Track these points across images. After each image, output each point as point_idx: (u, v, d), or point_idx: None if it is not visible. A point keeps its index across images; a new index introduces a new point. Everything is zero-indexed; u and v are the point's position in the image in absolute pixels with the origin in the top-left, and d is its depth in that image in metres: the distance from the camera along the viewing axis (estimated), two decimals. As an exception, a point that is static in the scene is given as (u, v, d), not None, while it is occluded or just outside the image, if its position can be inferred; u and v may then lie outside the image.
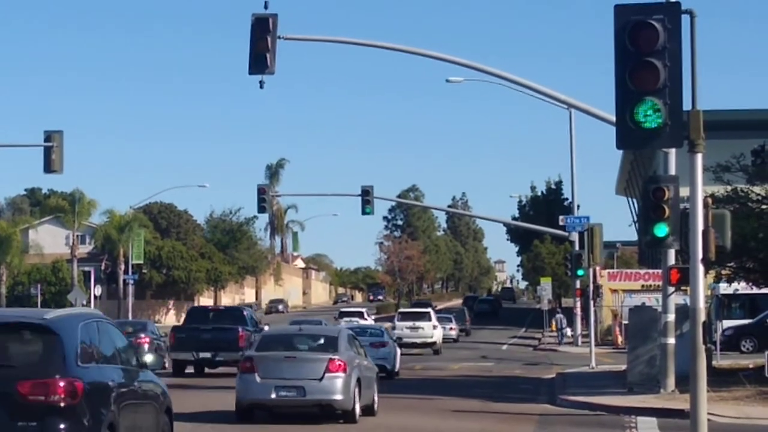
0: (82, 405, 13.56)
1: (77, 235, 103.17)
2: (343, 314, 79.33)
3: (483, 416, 27.06)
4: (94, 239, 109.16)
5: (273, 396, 23.84)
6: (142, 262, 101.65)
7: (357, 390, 24.43)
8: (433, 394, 33.13)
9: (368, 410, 25.78)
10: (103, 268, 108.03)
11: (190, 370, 42.08)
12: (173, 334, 42.75)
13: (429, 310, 68.41)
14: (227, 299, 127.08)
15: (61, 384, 13.37)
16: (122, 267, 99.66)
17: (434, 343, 61.58)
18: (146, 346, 46.17)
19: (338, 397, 23.85)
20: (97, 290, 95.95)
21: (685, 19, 18.00)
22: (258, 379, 23.98)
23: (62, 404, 13.36)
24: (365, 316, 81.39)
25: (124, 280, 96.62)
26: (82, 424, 13.56)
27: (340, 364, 23.99)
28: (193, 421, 23.89)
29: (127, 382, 15.22)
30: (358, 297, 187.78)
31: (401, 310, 75.38)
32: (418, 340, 61.08)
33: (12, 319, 14.72)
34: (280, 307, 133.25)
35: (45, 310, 14.81)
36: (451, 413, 27.62)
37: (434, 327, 62.05)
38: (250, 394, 24.14)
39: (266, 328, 43.57)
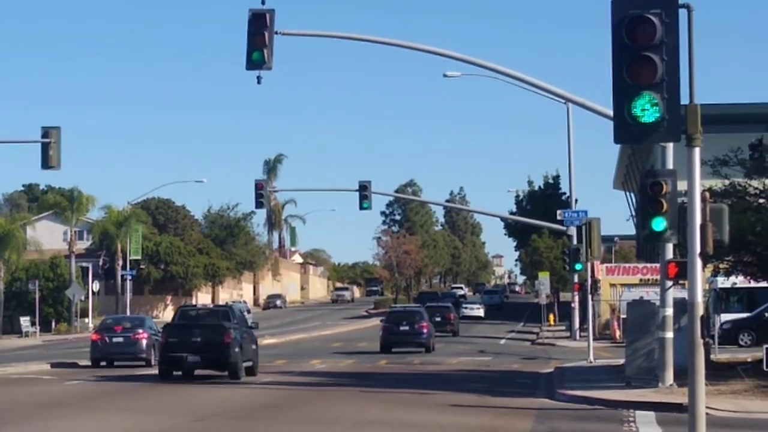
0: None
1: (75, 231, 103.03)
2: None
3: (481, 411, 27.05)
4: (91, 235, 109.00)
5: None
6: (139, 257, 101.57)
7: None
8: (430, 389, 33.10)
9: None
10: (101, 263, 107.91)
11: None
12: None
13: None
14: (225, 295, 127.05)
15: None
16: (120, 263, 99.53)
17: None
18: (144, 342, 46.06)
19: None
20: (95, 286, 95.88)
21: (683, 12, 17.99)
22: None
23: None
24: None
25: (122, 276, 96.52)
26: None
27: None
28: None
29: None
30: (357, 292, 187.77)
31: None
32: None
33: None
34: (278, 302, 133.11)
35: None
36: (448, 407, 27.60)
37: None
38: None
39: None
